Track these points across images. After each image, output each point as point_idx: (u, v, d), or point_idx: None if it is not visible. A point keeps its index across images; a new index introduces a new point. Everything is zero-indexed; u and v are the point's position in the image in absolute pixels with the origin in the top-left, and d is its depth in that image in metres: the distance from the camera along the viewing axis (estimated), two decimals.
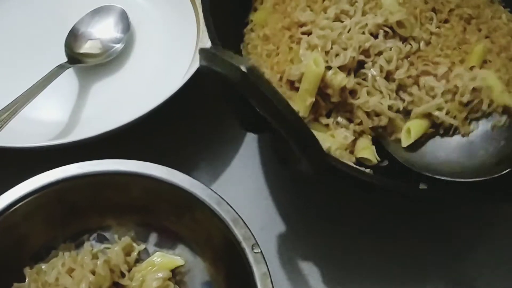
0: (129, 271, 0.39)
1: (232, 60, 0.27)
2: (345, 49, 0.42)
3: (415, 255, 0.43)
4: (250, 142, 0.48)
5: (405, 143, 0.41)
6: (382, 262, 0.43)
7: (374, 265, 0.43)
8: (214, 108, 0.49)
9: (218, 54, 0.28)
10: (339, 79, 0.40)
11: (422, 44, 0.44)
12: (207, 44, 0.45)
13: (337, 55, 0.42)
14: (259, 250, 0.35)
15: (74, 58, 0.49)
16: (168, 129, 0.48)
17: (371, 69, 0.42)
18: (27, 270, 0.38)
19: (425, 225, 0.45)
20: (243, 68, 0.26)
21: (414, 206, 0.44)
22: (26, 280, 0.38)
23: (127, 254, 0.39)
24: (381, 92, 0.41)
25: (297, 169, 0.33)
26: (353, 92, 0.41)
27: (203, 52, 0.30)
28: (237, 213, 0.37)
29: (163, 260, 0.39)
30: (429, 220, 0.45)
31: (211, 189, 0.38)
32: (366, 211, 0.45)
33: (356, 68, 0.42)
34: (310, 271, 0.42)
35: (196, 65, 0.44)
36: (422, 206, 0.44)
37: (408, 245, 0.44)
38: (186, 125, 0.48)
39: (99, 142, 0.42)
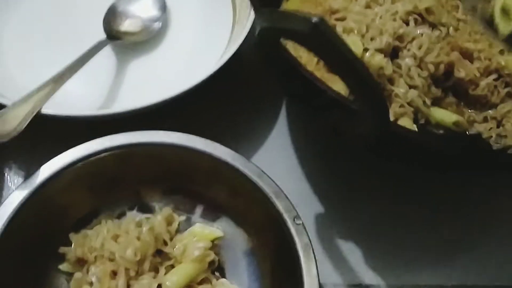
0: (170, 240, 0.40)
1: (300, 14, 0.28)
2: (380, 34, 0.43)
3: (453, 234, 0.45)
4: (283, 122, 0.49)
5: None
6: (417, 236, 0.44)
7: (409, 239, 0.44)
8: (251, 86, 0.50)
9: (284, 11, 0.29)
10: (378, 60, 0.41)
11: (451, 29, 0.45)
12: (247, 24, 0.46)
13: (372, 39, 0.43)
14: (301, 222, 0.37)
15: (113, 35, 0.50)
16: (208, 104, 0.49)
17: (406, 59, 0.43)
18: (72, 235, 0.39)
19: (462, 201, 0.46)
20: (314, 19, 0.26)
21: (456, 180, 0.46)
22: (72, 245, 0.39)
23: (168, 224, 0.40)
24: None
25: (355, 134, 0.34)
26: (390, 80, 0.42)
27: (263, 13, 0.30)
28: (278, 186, 0.38)
29: (203, 231, 0.40)
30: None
31: (252, 163, 0.39)
32: (404, 184, 0.46)
33: (391, 56, 0.43)
34: (345, 246, 0.44)
35: (235, 45, 0.45)
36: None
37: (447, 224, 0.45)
38: (225, 100, 0.49)
39: (138, 116, 0.43)
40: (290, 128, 0.49)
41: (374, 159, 0.45)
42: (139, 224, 0.40)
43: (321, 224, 0.44)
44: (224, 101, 0.50)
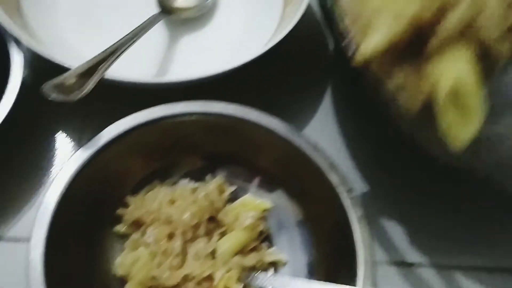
0: (222, 208, 0.41)
1: None
2: None
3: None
4: (328, 104, 0.51)
5: None
6: (460, 217, 0.45)
7: (453, 219, 0.45)
8: (299, 66, 0.51)
9: None
10: None
11: None
12: (300, 5, 0.47)
13: None
14: (355, 195, 0.38)
15: (167, 9, 0.51)
16: (255, 81, 0.49)
17: None
18: (130, 198, 0.40)
19: None
20: None
21: None
22: (129, 207, 0.40)
23: (220, 192, 0.42)
24: None
25: None
26: None
27: None
28: (332, 160, 0.39)
29: (254, 201, 0.42)
30: None
31: (306, 136, 0.40)
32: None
33: None
34: (389, 224, 0.45)
35: (287, 26, 0.46)
36: None
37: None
38: (272, 78, 0.50)
39: (192, 88, 0.43)
40: (335, 110, 0.50)
41: None
42: (193, 191, 0.41)
43: (366, 202, 0.45)
44: (271, 79, 0.50)
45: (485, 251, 0.44)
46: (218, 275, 0.37)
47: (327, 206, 0.39)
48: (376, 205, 0.45)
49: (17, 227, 0.42)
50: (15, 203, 0.43)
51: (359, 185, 0.46)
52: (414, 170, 0.47)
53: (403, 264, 0.43)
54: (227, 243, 0.39)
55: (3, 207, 0.43)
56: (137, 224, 0.40)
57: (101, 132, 0.39)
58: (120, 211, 0.40)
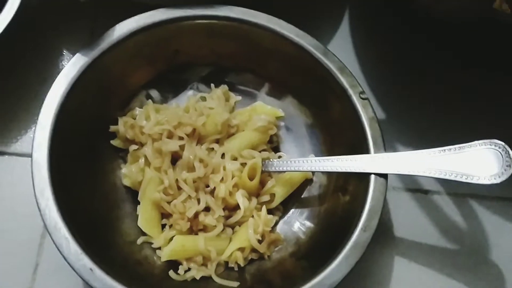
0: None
1: None
2: None
3: None
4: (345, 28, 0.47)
5: None
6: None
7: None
8: None
9: None
10: None
11: None
12: None
13: None
14: (366, 97, 0.35)
15: None
16: None
17: None
18: (121, 119, 0.37)
19: None
20: None
21: None
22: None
23: (226, 100, 0.39)
24: None
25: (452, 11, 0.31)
26: None
27: None
28: (342, 62, 0.36)
29: (265, 107, 0.40)
30: None
31: (317, 40, 0.37)
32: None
33: None
34: (396, 134, 0.42)
35: None
36: None
37: None
38: None
39: None
40: (352, 31, 0.46)
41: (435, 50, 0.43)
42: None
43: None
44: None
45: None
46: (229, 166, 0.35)
47: (337, 109, 0.36)
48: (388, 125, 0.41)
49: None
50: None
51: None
52: (431, 85, 0.43)
53: (419, 191, 0.41)
54: (237, 139, 0.37)
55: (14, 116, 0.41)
56: (132, 141, 0.37)
57: (102, 36, 0.36)
58: (112, 128, 0.37)
